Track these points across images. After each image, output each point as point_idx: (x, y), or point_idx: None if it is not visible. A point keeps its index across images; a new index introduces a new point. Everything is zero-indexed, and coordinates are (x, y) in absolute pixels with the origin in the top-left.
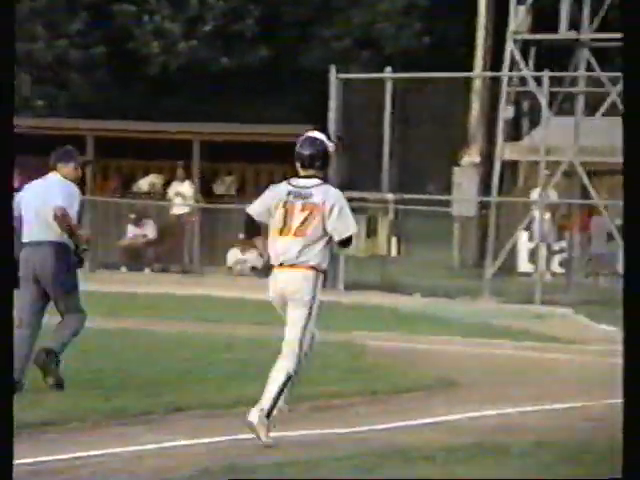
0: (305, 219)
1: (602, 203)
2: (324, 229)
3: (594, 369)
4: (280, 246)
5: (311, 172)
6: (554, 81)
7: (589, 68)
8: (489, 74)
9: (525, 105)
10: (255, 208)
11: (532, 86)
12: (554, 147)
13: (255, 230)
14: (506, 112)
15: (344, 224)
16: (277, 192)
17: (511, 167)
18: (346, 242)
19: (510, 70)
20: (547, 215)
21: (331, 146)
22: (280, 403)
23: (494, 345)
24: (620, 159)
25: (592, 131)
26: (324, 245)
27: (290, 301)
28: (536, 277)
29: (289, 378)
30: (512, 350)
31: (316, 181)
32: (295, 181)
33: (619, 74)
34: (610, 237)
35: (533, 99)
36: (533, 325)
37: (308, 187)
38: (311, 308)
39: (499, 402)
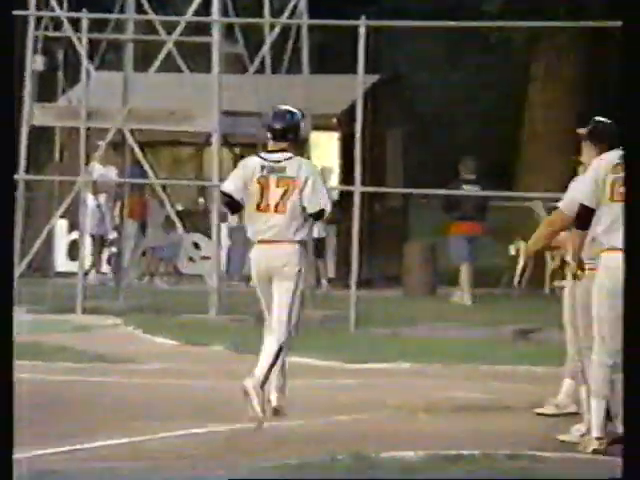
0: (283, 194)
1: (160, 182)
2: (302, 203)
3: (147, 394)
4: (262, 222)
5: (283, 145)
6: (96, 25)
7: (140, 10)
8: (15, 12)
9: (60, 55)
10: (229, 185)
11: (68, 30)
12: (98, 110)
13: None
14: (35, 63)
15: (316, 197)
16: (249, 167)
17: (46, 135)
18: (318, 215)
19: (38, 9)
20: (102, 197)
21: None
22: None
23: (16, 368)
24: (182, 126)
25: (145, 90)
26: (305, 219)
27: (276, 275)
28: (78, 278)
29: (280, 349)
30: (43, 374)
31: (288, 154)
32: (266, 155)
33: (177, 18)
34: (171, 226)
35: (70, 47)
36: (73, 340)
37: (281, 161)
38: (297, 282)
39: (24, 444)
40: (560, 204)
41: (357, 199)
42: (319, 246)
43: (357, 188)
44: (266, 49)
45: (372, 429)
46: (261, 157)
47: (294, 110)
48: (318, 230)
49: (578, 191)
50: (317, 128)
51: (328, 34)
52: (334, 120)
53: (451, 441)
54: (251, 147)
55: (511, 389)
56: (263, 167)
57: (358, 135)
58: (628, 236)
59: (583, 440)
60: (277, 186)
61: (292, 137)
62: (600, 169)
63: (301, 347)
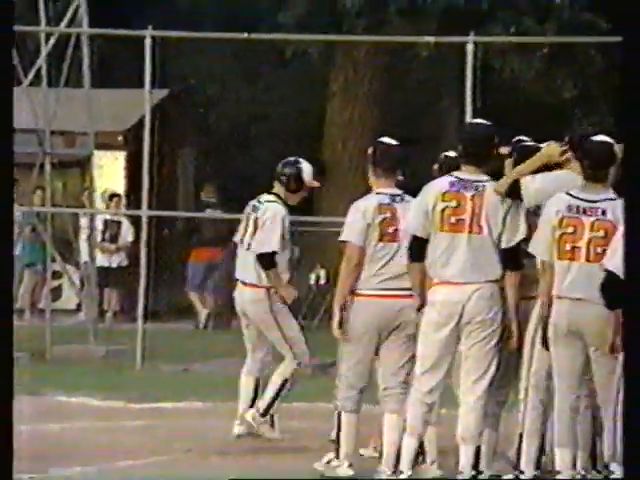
0: (253, 232)
1: None
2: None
3: None
4: (238, 260)
5: (277, 188)
6: None
7: None
8: None
9: None
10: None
11: None
12: None
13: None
14: None
15: (263, 238)
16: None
17: None
18: (263, 261)
19: None
20: None
21: (308, 176)
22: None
23: None
24: None
25: None
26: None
27: (259, 325)
28: None
29: (285, 381)
30: None
31: (271, 197)
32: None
33: None
34: None
35: None
36: None
37: (261, 202)
38: (277, 321)
39: None
40: (343, 236)
41: (144, 224)
42: (104, 275)
43: (144, 212)
44: (42, 59)
45: (158, 474)
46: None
47: (304, 164)
48: (104, 258)
49: (408, 219)
50: (101, 147)
51: (112, 44)
52: (120, 138)
53: None
54: (27, 167)
55: (308, 428)
56: (250, 205)
57: (146, 154)
58: (628, 238)
59: (330, 467)
60: (253, 223)
61: (285, 182)
62: (429, 197)
63: (81, 386)
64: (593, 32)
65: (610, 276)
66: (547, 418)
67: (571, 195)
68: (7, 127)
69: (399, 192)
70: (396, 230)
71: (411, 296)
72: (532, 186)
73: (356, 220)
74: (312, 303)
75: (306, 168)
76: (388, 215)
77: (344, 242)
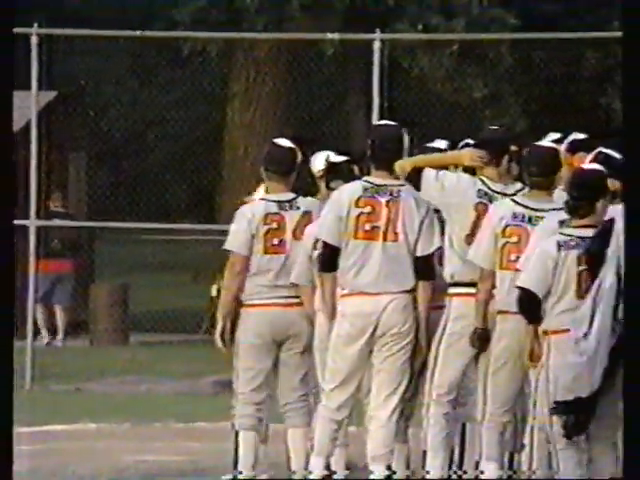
0: None
1: None
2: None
3: None
4: None
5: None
6: None
7: None
8: None
9: None
10: None
11: None
12: None
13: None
14: None
15: None
16: None
17: None
18: None
19: None
20: None
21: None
22: None
23: None
24: None
25: None
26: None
27: None
28: None
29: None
30: None
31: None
32: None
33: None
34: None
35: None
36: None
37: None
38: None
39: None
40: (227, 245)
41: (32, 235)
42: None
43: (32, 222)
44: None
45: None
46: None
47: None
48: None
49: (320, 226)
50: None
51: None
52: None
53: None
54: None
55: (211, 449)
56: None
57: (34, 161)
58: (628, 241)
59: None
60: None
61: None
62: (342, 202)
63: None
64: (503, 28)
65: (524, 292)
66: (453, 431)
67: (516, 202)
68: (7, 131)
69: (290, 197)
70: (281, 241)
71: (302, 305)
72: (433, 183)
73: (241, 229)
74: (214, 316)
75: (313, 160)
76: (274, 226)
77: (228, 250)
